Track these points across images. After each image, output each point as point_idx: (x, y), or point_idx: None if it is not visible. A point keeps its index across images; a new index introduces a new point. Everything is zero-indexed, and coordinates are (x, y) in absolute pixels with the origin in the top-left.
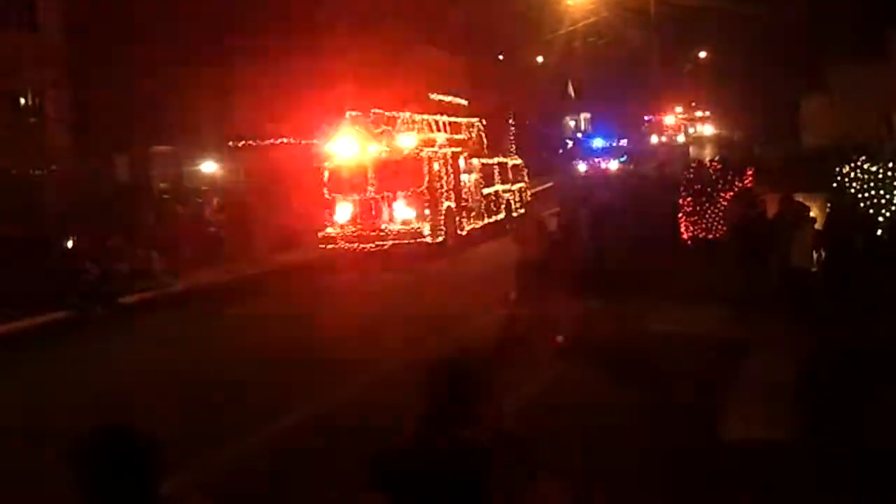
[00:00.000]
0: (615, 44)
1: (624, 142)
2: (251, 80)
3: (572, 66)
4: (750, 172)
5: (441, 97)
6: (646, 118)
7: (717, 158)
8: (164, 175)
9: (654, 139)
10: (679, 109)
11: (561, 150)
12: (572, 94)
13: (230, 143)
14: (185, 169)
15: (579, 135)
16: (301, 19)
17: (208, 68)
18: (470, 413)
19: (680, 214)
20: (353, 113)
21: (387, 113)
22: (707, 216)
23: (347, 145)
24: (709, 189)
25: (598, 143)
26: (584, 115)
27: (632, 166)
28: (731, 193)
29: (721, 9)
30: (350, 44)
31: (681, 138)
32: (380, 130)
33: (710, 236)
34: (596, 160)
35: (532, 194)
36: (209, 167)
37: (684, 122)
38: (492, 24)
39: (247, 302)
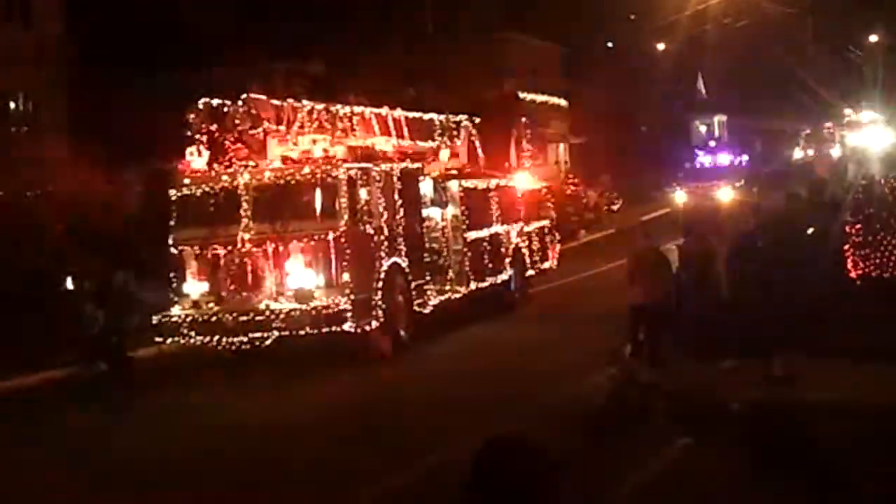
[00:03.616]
0: (758, 26)
1: (744, 158)
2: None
3: (703, 55)
4: None
5: None
6: (827, 126)
7: (894, 174)
8: None
9: (797, 153)
10: (848, 112)
11: (687, 165)
12: (703, 90)
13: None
14: None
15: (712, 143)
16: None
17: (237, 69)
18: None
19: (846, 246)
20: (212, 102)
21: (274, 101)
22: (882, 249)
23: (200, 158)
24: (884, 214)
25: (706, 160)
26: (719, 118)
27: (755, 191)
28: None
29: None
30: (415, 34)
31: (835, 151)
32: (259, 131)
33: (887, 274)
34: (700, 185)
35: (644, 221)
36: None
37: (839, 128)
38: (599, 3)
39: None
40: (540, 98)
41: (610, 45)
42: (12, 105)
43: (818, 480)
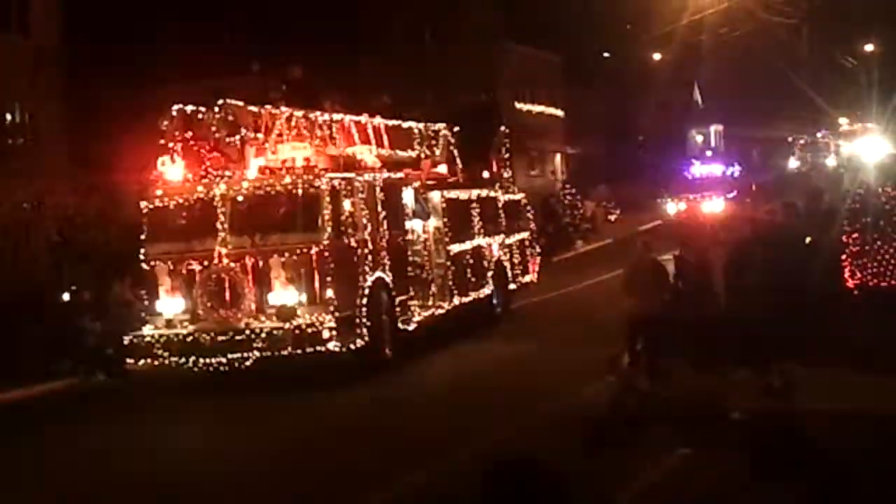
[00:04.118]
0: (754, 36)
1: (736, 169)
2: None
3: (699, 65)
4: None
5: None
6: (822, 135)
7: (890, 183)
8: None
9: (792, 163)
10: (844, 121)
11: (680, 176)
12: (699, 100)
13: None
14: None
15: (709, 153)
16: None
17: (252, 77)
18: None
19: (843, 256)
20: (187, 108)
21: (252, 108)
22: (879, 258)
23: (174, 168)
24: (881, 223)
25: (697, 171)
26: (715, 128)
27: (748, 201)
28: None
29: None
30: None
31: (831, 161)
32: (236, 139)
33: (884, 283)
34: (692, 196)
35: (642, 232)
36: None
37: (834, 138)
38: (596, 13)
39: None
40: (537, 108)
41: (607, 55)
42: (9, 116)
43: (818, 487)
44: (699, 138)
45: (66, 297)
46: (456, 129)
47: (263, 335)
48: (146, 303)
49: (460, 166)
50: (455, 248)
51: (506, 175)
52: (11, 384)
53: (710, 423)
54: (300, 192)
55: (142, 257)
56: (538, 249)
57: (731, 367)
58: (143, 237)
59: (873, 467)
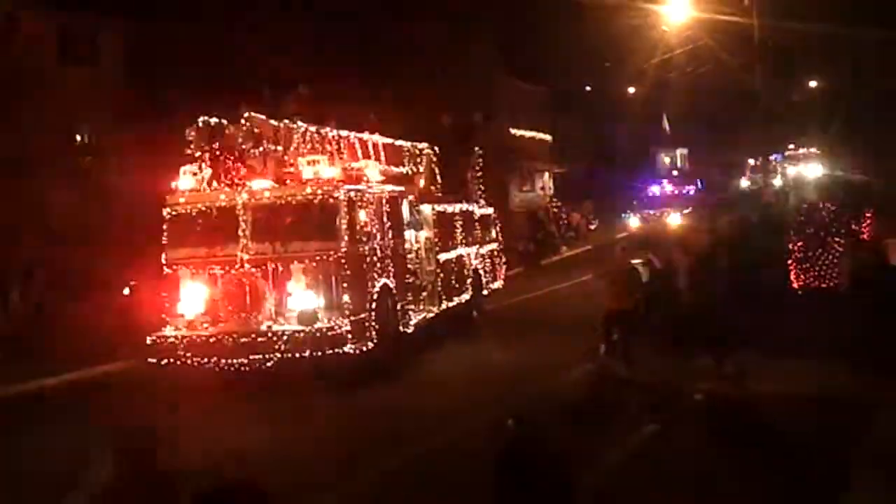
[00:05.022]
0: (716, 73)
1: (691, 189)
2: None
3: (668, 97)
4: (869, 215)
5: None
6: (771, 158)
7: (829, 200)
8: None
9: (743, 182)
10: (791, 146)
11: (642, 194)
12: (667, 127)
13: None
14: None
15: (675, 173)
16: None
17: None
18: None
19: (789, 261)
20: (211, 121)
21: (273, 121)
22: (820, 263)
23: (198, 178)
24: (821, 233)
25: (657, 189)
26: (681, 152)
27: (703, 215)
28: (847, 239)
29: (832, 34)
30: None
31: (777, 181)
32: (259, 151)
33: (824, 285)
34: (652, 212)
35: (620, 239)
36: None
37: (781, 160)
38: (579, 53)
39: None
40: (528, 133)
41: (588, 88)
42: (78, 138)
43: (765, 458)
44: (667, 160)
45: (126, 291)
46: (436, 147)
47: (285, 338)
48: (167, 305)
49: (440, 181)
50: (443, 256)
51: (479, 191)
52: (85, 363)
53: (676, 403)
54: (320, 202)
55: (164, 261)
56: (504, 259)
57: (693, 356)
58: (165, 242)
59: (813, 441)
